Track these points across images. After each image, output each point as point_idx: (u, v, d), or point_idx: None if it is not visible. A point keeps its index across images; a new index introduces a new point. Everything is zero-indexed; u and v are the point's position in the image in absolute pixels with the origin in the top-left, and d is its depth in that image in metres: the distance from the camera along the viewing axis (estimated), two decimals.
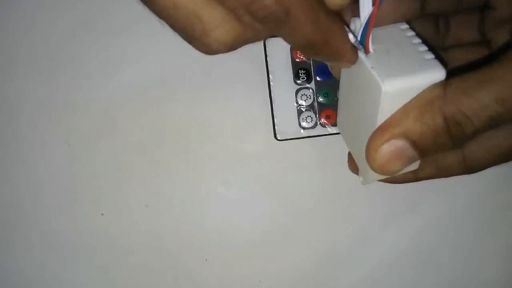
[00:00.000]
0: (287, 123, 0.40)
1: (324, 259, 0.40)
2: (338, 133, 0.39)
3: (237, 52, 0.22)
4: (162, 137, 0.40)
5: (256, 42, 0.22)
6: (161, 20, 0.20)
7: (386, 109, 0.23)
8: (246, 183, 0.40)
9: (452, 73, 0.23)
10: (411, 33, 0.25)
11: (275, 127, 0.39)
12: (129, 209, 0.40)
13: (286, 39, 0.21)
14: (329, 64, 0.28)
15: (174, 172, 0.40)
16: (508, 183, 0.41)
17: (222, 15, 0.20)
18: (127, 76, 0.40)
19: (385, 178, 0.27)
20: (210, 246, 0.40)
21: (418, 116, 0.23)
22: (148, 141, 0.40)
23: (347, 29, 0.23)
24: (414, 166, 0.26)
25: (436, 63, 0.23)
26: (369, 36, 0.23)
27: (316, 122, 0.39)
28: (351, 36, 0.23)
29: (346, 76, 0.27)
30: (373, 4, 0.22)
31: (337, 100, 0.39)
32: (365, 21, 0.23)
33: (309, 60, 0.40)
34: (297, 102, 0.40)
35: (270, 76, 0.40)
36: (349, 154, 0.30)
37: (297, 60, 0.40)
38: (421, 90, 0.23)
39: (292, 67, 0.40)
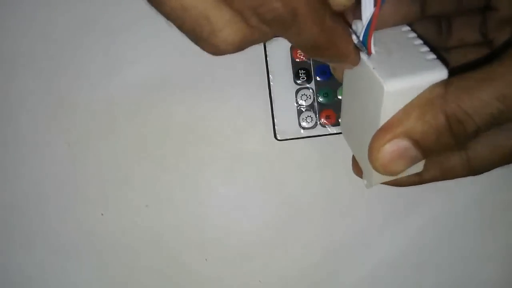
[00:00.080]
0: (287, 123, 0.40)
1: (324, 259, 0.41)
2: (338, 133, 0.40)
3: (238, 52, 0.22)
4: (162, 137, 0.40)
5: None
6: (168, 21, 0.20)
7: (389, 109, 0.23)
8: (246, 183, 0.40)
9: (453, 73, 0.23)
10: (413, 34, 0.25)
11: (275, 127, 0.40)
12: (129, 209, 0.40)
13: (291, 41, 0.21)
14: (331, 65, 0.28)
15: (174, 172, 0.40)
16: (508, 183, 0.41)
17: (229, 16, 0.20)
18: (127, 76, 0.40)
19: (389, 181, 0.27)
20: (210, 246, 0.40)
21: (419, 115, 0.23)
22: (148, 141, 0.40)
23: (350, 30, 0.23)
24: (419, 168, 0.26)
25: (438, 63, 0.23)
26: (371, 37, 0.23)
27: (316, 122, 0.40)
28: (354, 37, 0.23)
29: (349, 78, 0.27)
30: (375, 5, 0.22)
31: (337, 100, 0.40)
32: (367, 22, 0.23)
33: (309, 60, 0.40)
34: (297, 102, 0.40)
35: (270, 76, 0.40)
36: (353, 157, 0.30)
37: (297, 60, 0.40)
38: (423, 90, 0.23)
39: (292, 67, 0.40)
